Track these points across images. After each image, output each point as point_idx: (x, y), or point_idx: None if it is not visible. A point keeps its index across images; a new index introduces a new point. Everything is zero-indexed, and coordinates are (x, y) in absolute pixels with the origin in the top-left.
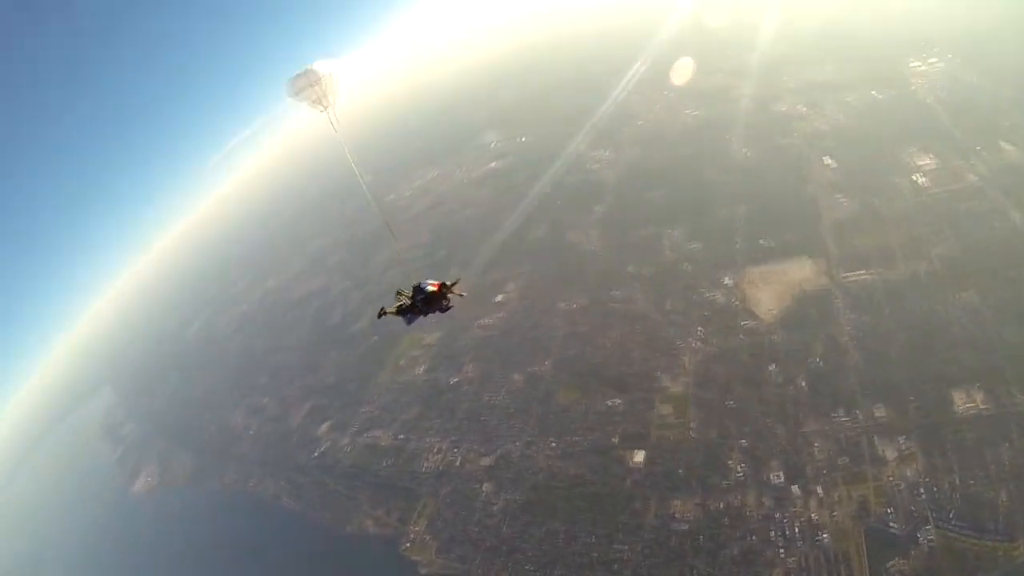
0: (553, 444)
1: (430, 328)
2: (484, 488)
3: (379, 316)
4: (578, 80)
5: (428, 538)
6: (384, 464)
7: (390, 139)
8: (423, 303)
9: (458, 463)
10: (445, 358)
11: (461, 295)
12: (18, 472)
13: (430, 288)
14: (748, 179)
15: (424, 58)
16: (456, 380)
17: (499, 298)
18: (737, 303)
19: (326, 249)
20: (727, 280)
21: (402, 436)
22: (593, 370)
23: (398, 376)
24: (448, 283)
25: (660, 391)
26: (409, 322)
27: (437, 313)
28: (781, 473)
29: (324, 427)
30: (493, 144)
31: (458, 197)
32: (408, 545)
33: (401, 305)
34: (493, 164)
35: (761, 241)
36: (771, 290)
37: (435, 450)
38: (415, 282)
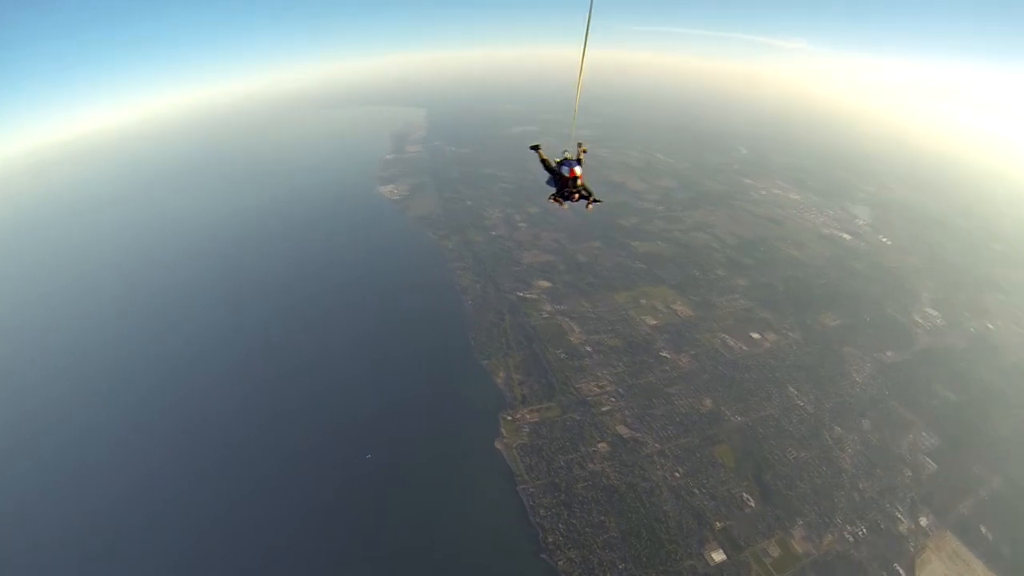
0: None
1: None
2: None
3: (532, 148)
4: None
5: None
6: None
7: None
8: (557, 180)
9: None
10: None
11: (596, 200)
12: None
13: (566, 172)
14: None
15: None
16: None
17: None
18: None
19: None
20: None
21: None
22: None
23: None
24: (581, 186)
25: None
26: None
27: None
28: None
29: None
30: None
31: None
32: None
33: (546, 162)
34: None
35: None
36: None
37: None
38: (567, 154)
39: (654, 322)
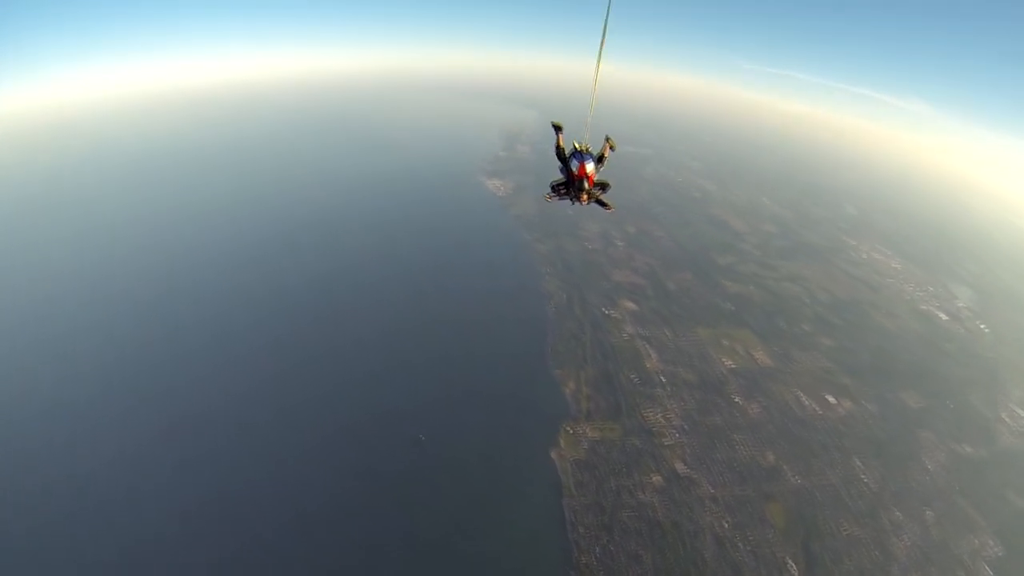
0: None
1: None
2: None
3: (555, 127)
4: None
5: None
6: None
7: None
8: (566, 174)
9: None
10: None
11: (609, 206)
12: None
13: (574, 167)
14: None
15: None
16: None
17: None
18: None
19: None
20: None
21: None
22: None
23: None
24: (598, 180)
25: None
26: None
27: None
28: None
29: None
30: None
31: None
32: None
33: (561, 150)
34: None
35: None
36: None
37: None
38: (580, 145)
39: (731, 364)
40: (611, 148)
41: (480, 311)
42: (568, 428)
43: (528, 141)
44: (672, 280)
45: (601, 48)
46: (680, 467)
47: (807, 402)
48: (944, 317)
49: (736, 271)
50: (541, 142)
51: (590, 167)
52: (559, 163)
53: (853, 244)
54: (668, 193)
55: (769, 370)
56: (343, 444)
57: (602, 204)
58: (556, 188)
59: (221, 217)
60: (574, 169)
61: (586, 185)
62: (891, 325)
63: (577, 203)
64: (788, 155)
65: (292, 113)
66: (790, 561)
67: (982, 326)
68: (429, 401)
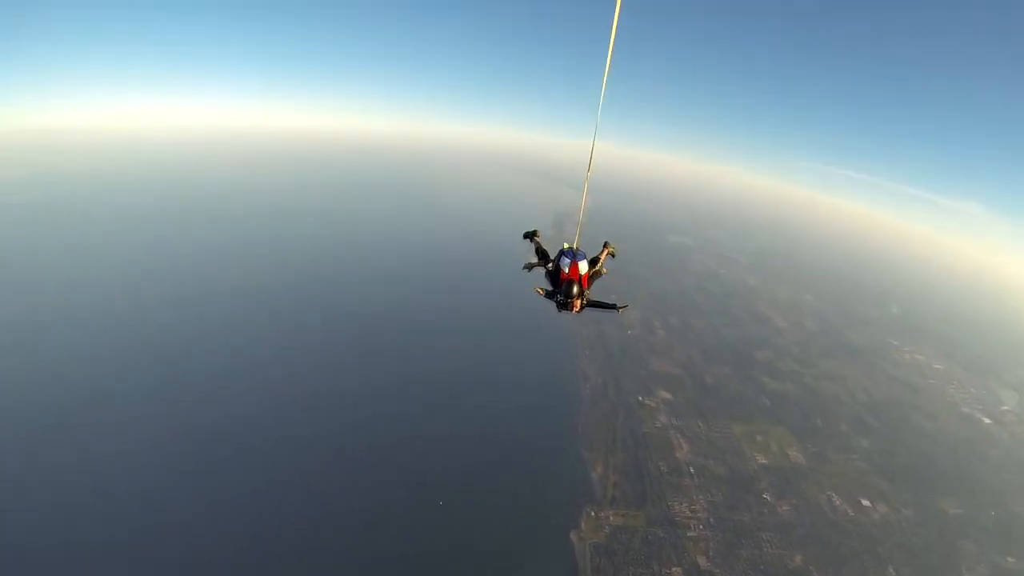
0: None
1: None
2: None
3: (527, 236)
4: None
5: None
6: None
7: None
8: (552, 279)
9: None
10: None
11: (620, 308)
12: None
13: (564, 266)
14: None
15: None
16: None
17: None
18: None
19: None
20: None
21: None
22: None
23: None
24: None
25: None
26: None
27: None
28: None
29: None
30: None
31: None
32: None
33: (543, 255)
34: None
35: None
36: None
37: None
38: (567, 245)
39: (764, 461)
40: (611, 255)
41: (516, 386)
42: (591, 511)
43: (577, 222)
44: (710, 373)
45: (592, 155)
46: (703, 562)
47: (840, 504)
48: (987, 421)
49: (775, 367)
50: (589, 224)
51: (583, 266)
52: (543, 268)
53: (895, 344)
54: (712, 285)
55: (802, 469)
56: (365, 504)
57: (603, 306)
58: (548, 294)
59: (286, 270)
60: (564, 268)
61: (576, 289)
62: (931, 428)
63: (566, 311)
64: (835, 252)
65: (351, 170)
66: None
67: None
68: (454, 466)
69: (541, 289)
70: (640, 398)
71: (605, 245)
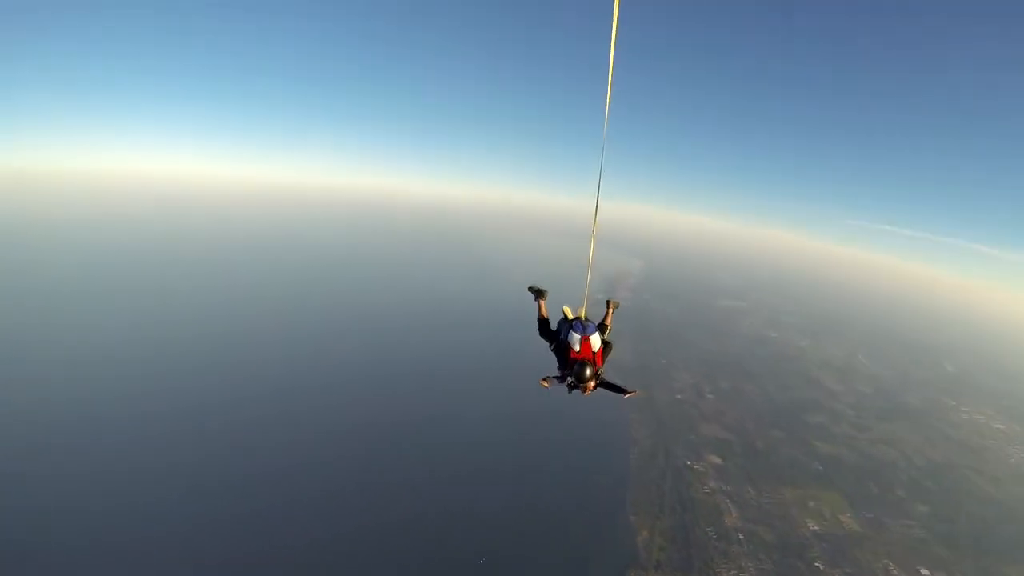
0: None
1: None
2: None
3: (533, 292)
4: None
5: None
6: None
7: None
8: (559, 353)
9: None
10: None
11: (627, 391)
12: None
13: (575, 343)
14: None
15: None
16: None
17: None
18: None
19: None
20: None
21: None
22: None
23: None
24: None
25: None
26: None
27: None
28: None
29: None
30: None
31: None
32: None
33: (544, 323)
34: None
35: None
36: None
37: None
38: (571, 313)
39: (816, 528)
40: (614, 309)
41: (563, 450)
42: (634, 575)
43: (629, 288)
44: (761, 438)
45: (596, 214)
46: None
47: (898, 573)
48: None
49: (828, 431)
50: (643, 290)
51: (596, 341)
52: (546, 341)
53: (952, 404)
54: (763, 348)
55: (857, 536)
56: (412, 567)
57: (615, 389)
58: (556, 376)
59: (338, 326)
60: (575, 346)
61: (589, 372)
62: (994, 491)
63: (578, 392)
64: (886, 311)
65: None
66: None
67: None
68: (498, 526)
69: (547, 380)
70: (689, 462)
71: (608, 303)
